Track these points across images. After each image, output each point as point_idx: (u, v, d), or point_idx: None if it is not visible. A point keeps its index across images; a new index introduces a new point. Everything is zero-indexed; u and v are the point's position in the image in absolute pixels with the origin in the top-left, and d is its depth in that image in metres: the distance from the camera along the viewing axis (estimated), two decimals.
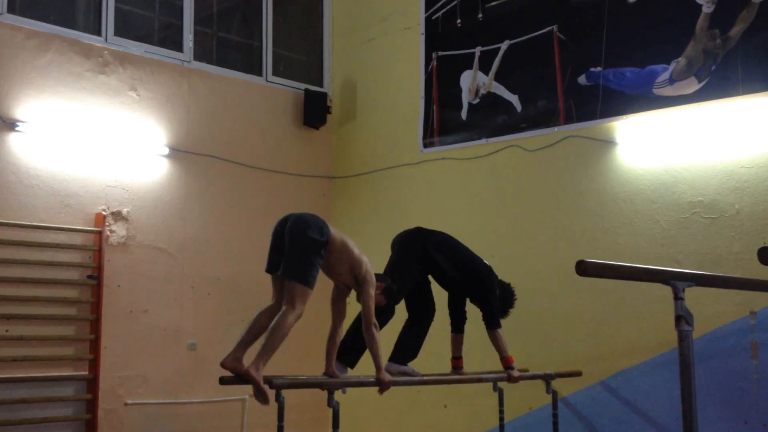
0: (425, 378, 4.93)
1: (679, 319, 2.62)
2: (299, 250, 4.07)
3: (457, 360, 5.12)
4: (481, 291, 4.99)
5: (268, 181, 7.37)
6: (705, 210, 5.45)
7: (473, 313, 5.15)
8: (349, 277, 4.34)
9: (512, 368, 5.02)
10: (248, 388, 6.56)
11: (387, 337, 4.67)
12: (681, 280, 2.71)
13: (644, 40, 5.89)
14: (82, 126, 6.22)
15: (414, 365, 4.89)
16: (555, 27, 6.41)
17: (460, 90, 7.03)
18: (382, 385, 4.35)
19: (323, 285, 4.33)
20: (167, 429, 6.44)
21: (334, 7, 8.24)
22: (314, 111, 7.72)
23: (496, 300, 5.01)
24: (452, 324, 5.13)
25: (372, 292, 4.31)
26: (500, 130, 6.70)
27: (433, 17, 7.33)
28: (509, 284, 5.16)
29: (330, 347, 4.41)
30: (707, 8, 5.55)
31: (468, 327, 5.17)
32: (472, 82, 6.95)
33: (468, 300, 5.14)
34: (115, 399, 6.15)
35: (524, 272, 6.03)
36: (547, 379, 5.33)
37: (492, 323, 4.94)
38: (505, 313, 5.12)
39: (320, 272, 4.21)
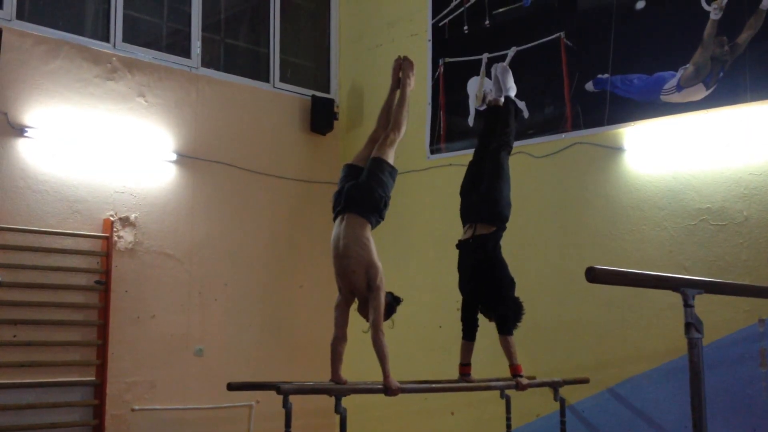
0: (433, 385, 4.91)
1: (688, 326, 2.60)
2: None
3: (465, 367, 5.10)
4: (500, 295, 4.97)
5: (275, 187, 7.38)
6: (713, 217, 5.44)
7: (481, 320, 5.14)
8: (361, 278, 4.34)
9: (521, 376, 4.99)
10: (255, 394, 6.64)
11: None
12: (691, 287, 2.69)
13: (652, 47, 5.88)
14: (90, 132, 6.24)
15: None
16: (562, 33, 6.41)
17: (466, 96, 7.04)
18: (389, 392, 4.35)
19: (332, 291, 4.33)
20: None
21: (341, 13, 8.26)
22: (321, 117, 7.72)
23: (512, 307, 4.99)
24: (464, 331, 5.10)
25: (384, 300, 4.31)
26: None
27: (440, 24, 7.34)
28: (518, 298, 5.12)
29: (335, 355, 4.41)
30: (715, 15, 5.54)
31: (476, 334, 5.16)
32: (479, 89, 6.96)
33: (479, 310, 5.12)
34: (122, 404, 6.15)
35: (531, 279, 6.01)
36: (554, 386, 5.30)
37: (506, 329, 4.92)
38: (513, 327, 5.09)
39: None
